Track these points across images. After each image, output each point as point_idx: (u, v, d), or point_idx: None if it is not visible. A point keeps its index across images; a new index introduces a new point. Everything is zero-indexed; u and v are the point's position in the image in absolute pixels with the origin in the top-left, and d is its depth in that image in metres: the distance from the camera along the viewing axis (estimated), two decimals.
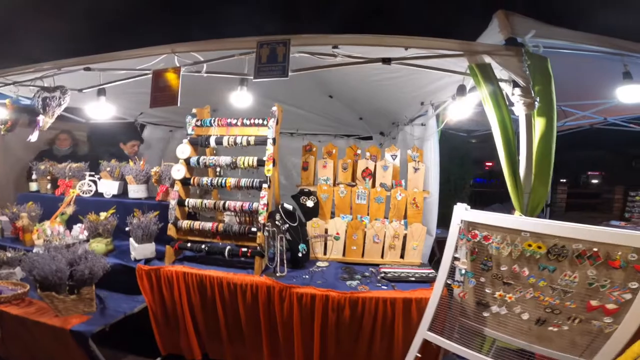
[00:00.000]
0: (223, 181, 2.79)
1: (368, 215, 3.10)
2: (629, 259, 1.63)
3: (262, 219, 2.60)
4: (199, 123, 2.91)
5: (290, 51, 2.32)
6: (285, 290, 2.39)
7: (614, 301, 1.66)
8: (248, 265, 2.66)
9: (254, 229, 2.64)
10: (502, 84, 2.34)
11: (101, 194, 3.48)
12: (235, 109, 2.95)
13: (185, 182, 2.86)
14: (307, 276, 2.60)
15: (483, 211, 2.09)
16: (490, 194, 9.16)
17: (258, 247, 2.61)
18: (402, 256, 2.93)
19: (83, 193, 3.50)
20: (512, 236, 1.94)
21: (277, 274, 2.58)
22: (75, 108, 4.21)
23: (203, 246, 2.73)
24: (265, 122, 2.73)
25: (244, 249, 2.63)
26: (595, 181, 13.90)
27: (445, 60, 2.45)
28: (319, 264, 2.85)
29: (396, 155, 3.37)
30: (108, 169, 3.48)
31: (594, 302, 1.72)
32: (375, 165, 3.26)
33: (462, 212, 2.11)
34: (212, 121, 2.87)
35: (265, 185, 2.65)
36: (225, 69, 2.68)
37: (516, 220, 2.02)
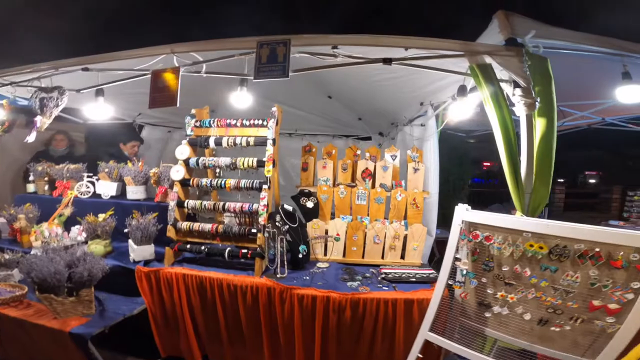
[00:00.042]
0: (222, 182, 2.78)
1: (368, 215, 3.09)
2: (631, 259, 1.64)
3: (262, 220, 2.59)
4: (198, 124, 2.90)
5: (290, 51, 2.32)
6: (285, 291, 2.38)
7: (616, 301, 1.66)
8: (248, 267, 2.65)
9: (254, 230, 2.63)
10: (502, 85, 2.34)
11: (99, 195, 3.46)
12: (234, 109, 2.94)
13: (184, 183, 2.84)
14: (307, 277, 2.59)
15: (484, 212, 2.09)
16: (488, 194, 9.20)
17: (258, 249, 2.60)
18: (402, 257, 2.93)
19: (81, 194, 3.48)
20: (513, 236, 1.94)
21: (278, 275, 2.57)
22: (72, 109, 4.19)
23: (203, 247, 2.72)
24: (265, 123, 2.72)
25: (244, 251, 2.62)
26: (593, 181, 13.94)
27: (445, 61, 2.45)
28: (319, 265, 2.85)
29: (396, 156, 3.38)
30: (106, 170, 3.46)
31: (596, 302, 1.72)
32: (375, 166, 3.26)
33: (463, 213, 2.11)
34: (212, 122, 2.86)
35: (265, 186, 2.64)
36: (225, 69, 2.67)
37: (518, 220, 2.02)
